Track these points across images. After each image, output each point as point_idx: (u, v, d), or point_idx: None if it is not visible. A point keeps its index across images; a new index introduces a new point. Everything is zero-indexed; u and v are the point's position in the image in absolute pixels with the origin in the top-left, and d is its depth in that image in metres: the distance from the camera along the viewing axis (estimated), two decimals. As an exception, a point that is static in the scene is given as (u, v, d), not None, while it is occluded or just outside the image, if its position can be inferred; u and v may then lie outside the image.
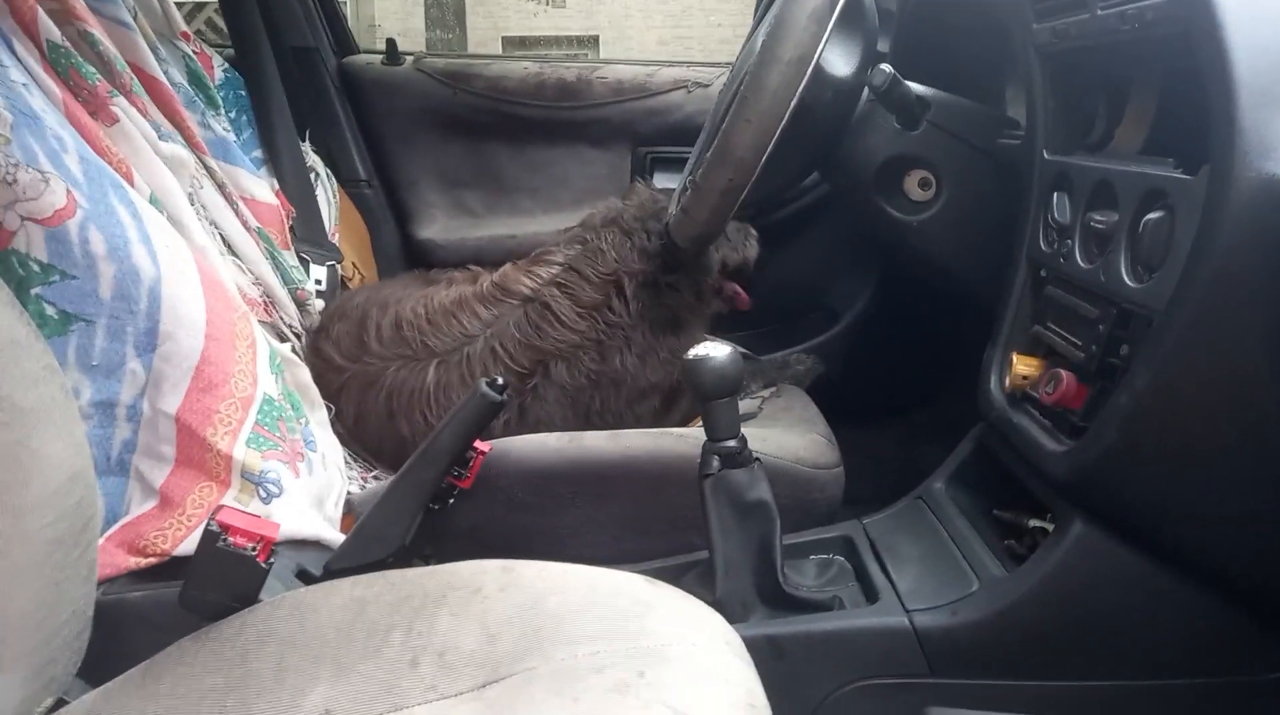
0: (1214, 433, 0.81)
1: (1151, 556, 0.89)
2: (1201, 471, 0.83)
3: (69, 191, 0.91)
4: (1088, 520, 0.90)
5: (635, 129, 1.90)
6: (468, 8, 9.24)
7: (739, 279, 1.49)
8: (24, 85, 0.96)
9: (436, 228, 1.94)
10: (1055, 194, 1.01)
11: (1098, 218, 0.91)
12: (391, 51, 1.93)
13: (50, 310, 0.91)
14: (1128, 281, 0.84)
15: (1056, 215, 1.00)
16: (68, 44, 1.06)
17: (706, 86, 1.87)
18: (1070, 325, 0.95)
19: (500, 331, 1.27)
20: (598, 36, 10.53)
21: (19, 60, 0.99)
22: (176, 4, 1.41)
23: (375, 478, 1.27)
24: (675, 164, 1.84)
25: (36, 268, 0.90)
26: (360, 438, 1.29)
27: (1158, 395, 0.80)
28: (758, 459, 0.99)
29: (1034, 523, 1.01)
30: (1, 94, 0.91)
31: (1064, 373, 0.92)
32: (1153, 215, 0.81)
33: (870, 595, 1.01)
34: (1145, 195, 0.84)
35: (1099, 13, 0.91)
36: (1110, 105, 1.02)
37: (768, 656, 0.93)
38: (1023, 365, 1.01)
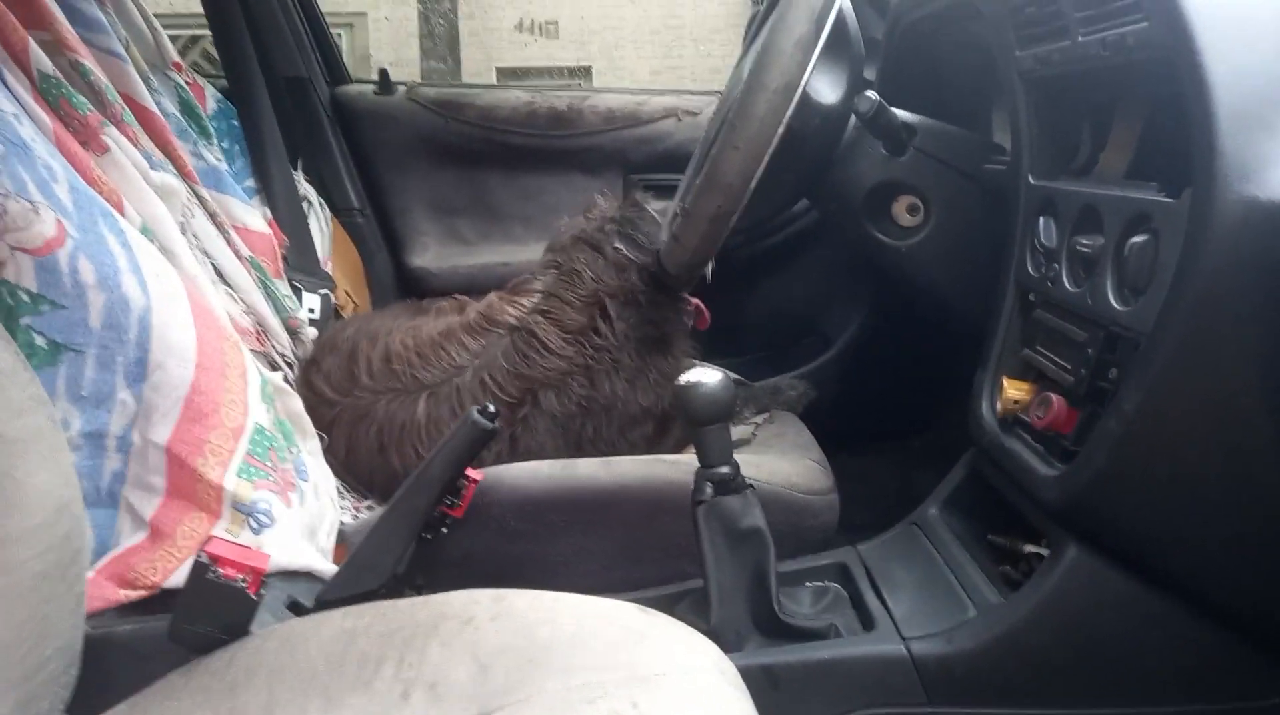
0: (1203, 455, 0.81)
1: (1146, 581, 0.89)
2: (1191, 495, 0.83)
3: (59, 221, 0.91)
4: (1082, 545, 0.90)
5: (626, 157, 1.91)
6: (462, 39, 9.33)
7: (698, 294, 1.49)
8: (14, 115, 0.96)
9: (429, 256, 1.94)
10: (1041, 219, 1.02)
11: (1084, 242, 0.92)
12: (384, 81, 1.95)
13: (39, 340, 0.90)
14: (1115, 304, 0.85)
15: (1043, 239, 1.01)
16: (59, 74, 1.07)
17: (696, 115, 1.89)
18: (1059, 348, 0.96)
19: (488, 362, 1.26)
20: (590, 67, 10.63)
21: (9, 90, 0.99)
22: (171, 37, 1.42)
23: (369, 508, 1.26)
24: (666, 191, 1.83)
25: (26, 298, 0.90)
26: (352, 471, 1.28)
27: (1146, 418, 0.80)
28: (751, 485, 0.99)
29: (1029, 548, 1.01)
30: (-8, 125, 0.91)
31: (1054, 396, 0.93)
32: (1137, 239, 0.82)
33: (866, 623, 1.00)
34: (1130, 219, 0.84)
35: (1080, 39, 0.92)
36: (1094, 131, 1.03)
37: (763, 686, 0.92)
38: (1013, 389, 1.01)
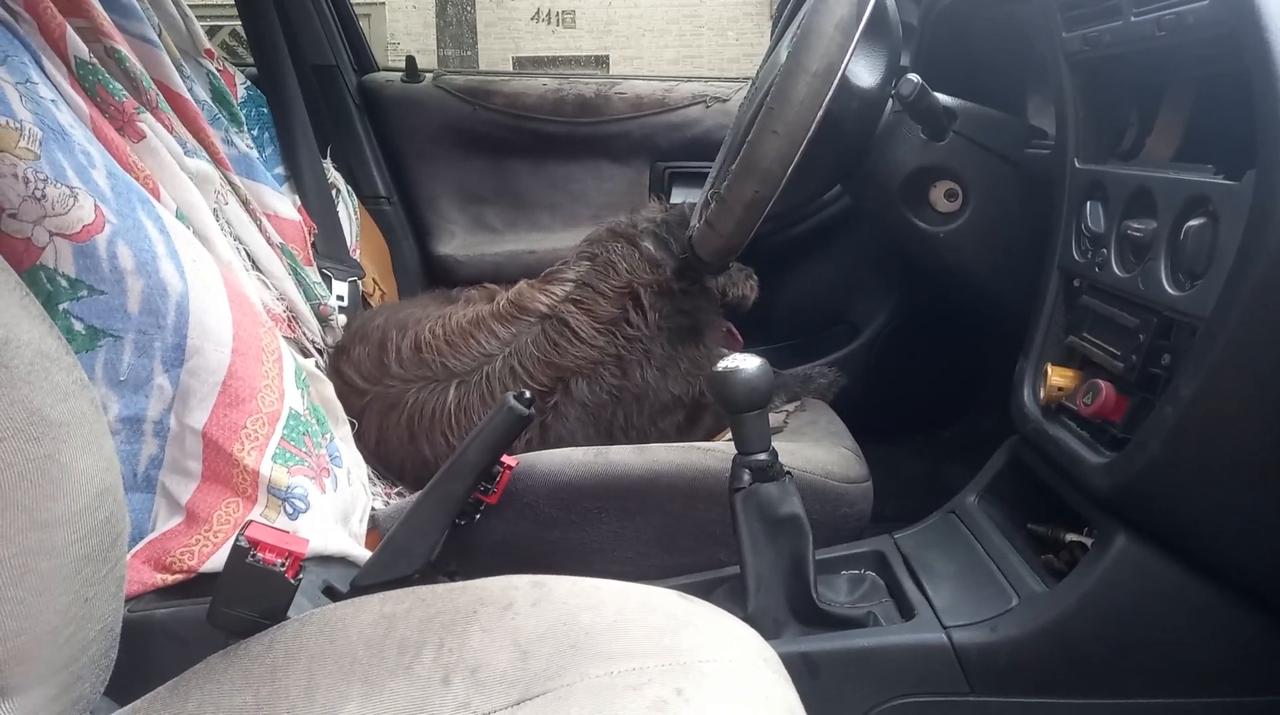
0: (1262, 443, 0.79)
1: (1196, 571, 0.87)
2: (1248, 484, 0.81)
3: (97, 207, 0.91)
4: (1130, 534, 0.88)
5: (654, 144, 1.90)
6: (480, 29, 9.34)
7: (733, 317, 1.49)
8: (52, 101, 0.96)
9: (456, 244, 1.94)
10: (1088, 203, 1.00)
11: (1135, 225, 0.90)
12: (411, 69, 1.94)
13: (78, 326, 0.91)
14: (1169, 290, 0.83)
15: (1090, 224, 0.99)
16: (95, 61, 1.07)
17: (725, 101, 1.87)
18: (1108, 335, 0.94)
19: (519, 349, 1.26)
20: (608, 56, 10.61)
21: (47, 77, 0.99)
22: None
23: (399, 494, 1.26)
24: (694, 179, 1.83)
25: (65, 283, 0.90)
26: (382, 460, 1.28)
27: (1203, 405, 0.78)
28: (789, 472, 0.98)
29: (1071, 537, 0.99)
30: (30, 110, 0.91)
31: (1103, 383, 0.91)
32: (1195, 222, 0.80)
33: (905, 611, 0.99)
34: (1187, 202, 0.82)
35: (1133, 19, 0.90)
36: (1142, 113, 1.01)
37: (803, 674, 0.91)
38: (1058, 376, 0.99)
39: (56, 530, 0.63)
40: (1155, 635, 0.90)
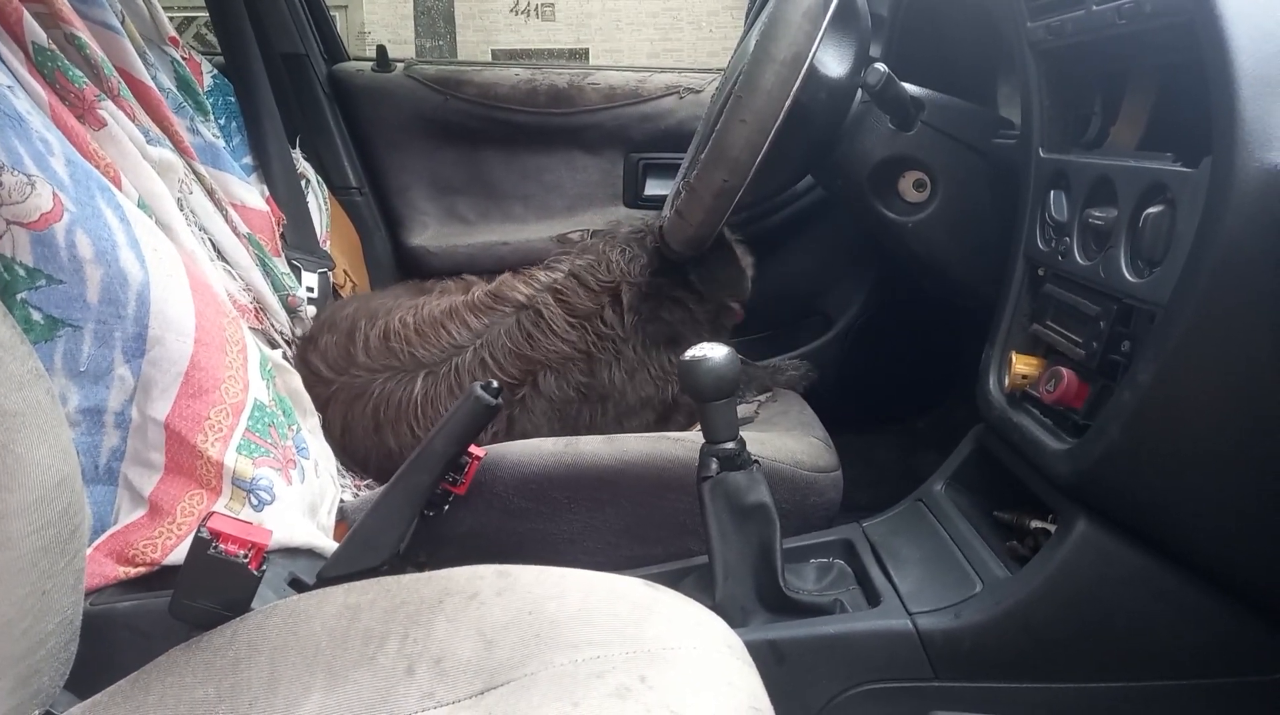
0: (1220, 427, 0.80)
1: (1157, 555, 0.88)
2: (1207, 468, 0.83)
3: (55, 195, 0.90)
4: (1091, 519, 0.89)
5: (628, 135, 1.89)
6: (458, 21, 9.27)
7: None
8: (9, 88, 0.94)
9: (428, 235, 1.93)
10: (1052, 192, 1.01)
11: (1096, 214, 0.90)
12: (382, 58, 1.93)
13: (36, 315, 0.89)
14: (1128, 277, 0.84)
15: (1054, 213, 1.00)
16: (54, 47, 1.05)
17: (698, 92, 1.87)
18: (1070, 323, 0.95)
19: (491, 340, 1.25)
20: (587, 49, 10.57)
21: (3, 63, 0.97)
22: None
23: (368, 486, 1.26)
24: (668, 170, 1.83)
25: (22, 272, 0.88)
26: (347, 451, 1.27)
27: (1162, 390, 0.79)
28: (757, 461, 0.98)
29: (1036, 524, 1.00)
30: (-15, 97, 0.89)
31: (1065, 371, 0.92)
32: (1153, 209, 0.81)
33: (872, 598, 1.00)
34: (1145, 190, 0.83)
35: (1094, 8, 0.90)
36: (1106, 102, 1.02)
37: (769, 661, 0.91)
38: (1022, 364, 1.00)
39: (11, 521, 0.62)
40: (1118, 620, 0.91)
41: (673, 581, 1.02)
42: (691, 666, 0.64)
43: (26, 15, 1.02)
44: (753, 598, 0.97)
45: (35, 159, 0.90)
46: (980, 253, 1.20)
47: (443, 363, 1.24)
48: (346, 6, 9.31)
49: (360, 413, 1.24)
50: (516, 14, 10.71)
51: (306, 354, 1.31)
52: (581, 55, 10.50)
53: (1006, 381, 1.02)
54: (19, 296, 0.88)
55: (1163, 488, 0.85)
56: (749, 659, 0.68)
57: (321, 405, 1.25)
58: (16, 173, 0.87)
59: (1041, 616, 0.90)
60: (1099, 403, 0.89)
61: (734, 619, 0.94)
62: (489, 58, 10.30)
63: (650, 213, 1.53)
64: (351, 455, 1.27)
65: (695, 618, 0.70)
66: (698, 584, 1.02)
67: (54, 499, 0.66)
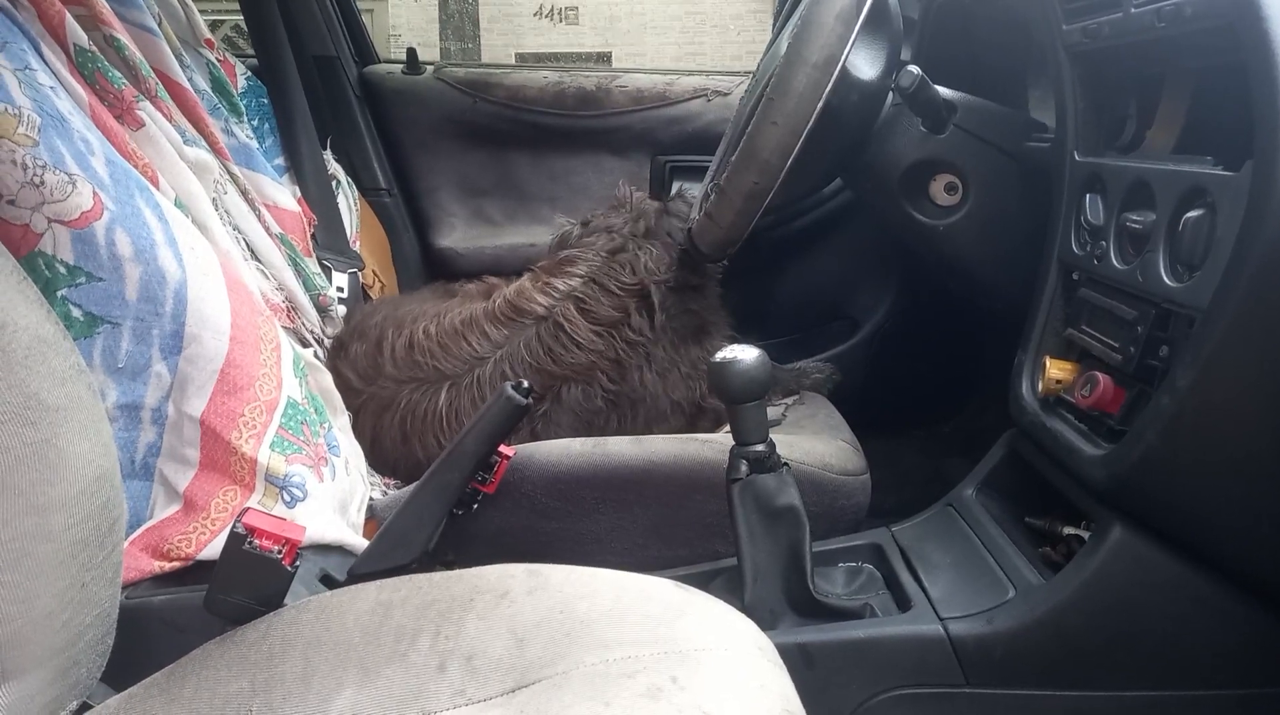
0: (1258, 432, 0.79)
1: (1193, 563, 0.87)
2: (1246, 475, 0.81)
3: (95, 194, 0.91)
4: (1127, 526, 0.88)
5: (655, 137, 1.89)
6: (483, 25, 9.32)
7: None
8: (51, 89, 0.96)
9: (456, 236, 1.94)
10: (1087, 195, 1.00)
11: (1134, 218, 0.89)
12: (412, 61, 1.94)
13: (76, 312, 0.91)
14: (1167, 281, 0.83)
15: (1089, 217, 0.99)
16: (94, 49, 1.07)
17: (726, 95, 1.87)
18: (1106, 327, 0.94)
19: (511, 353, 1.24)
20: (610, 53, 10.60)
21: (46, 64, 0.99)
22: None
23: (396, 485, 1.26)
24: (694, 172, 1.83)
25: (63, 270, 0.90)
26: (377, 459, 1.27)
27: (1201, 396, 0.78)
28: (786, 464, 0.98)
29: (1068, 530, 0.99)
30: (29, 97, 0.91)
31: (1100, 375, 0.91)
32: (1193, 213, 0.80)
33: (902, 603, 0.99)
34: (1185, 193, 0.82)
35: (1133, 11, 0.89)
36: (1141, 105, 1.01)
37: (798, 665, 0.91)
38: (1056, 369, 0.99)
39: (53, 515, 0.63)
40: (1152, 627, 0.90)
41: (701, 583, 1.01)
42: (723, 668, 0.63)
43: (69, 17, 1.04)
44: (782, 600, 0.97)
45: (76, 158, 0.92)
46: (1011, 256, 1.19)
47: (465, 374, 1.24)
48: (373, 10, 9.39)
49: (389, 423, 1.25)
50: (541, 17, 10.75)
51: (337, 362, 1.32)
52: (605, 59, 10.53)
53: (1040, 386, 1.01)
54: (59, 293, 0.90)
55: (1200, 494, 0.84)
56: (780, 661, 0.68)
57: (352, 414, 1.26)
58: (58, 172, 0.89)
59: (1076, 623, 0.89)
60: (1135, 408, 0.87)
61: (763, 621, 0.93)
62: (513, 61, 10.35)
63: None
64: (381, 464, 1.28)
65: (726, 619, 0.70)
66: (726, 586, 1.02)
67: (94, 493, 0.67)
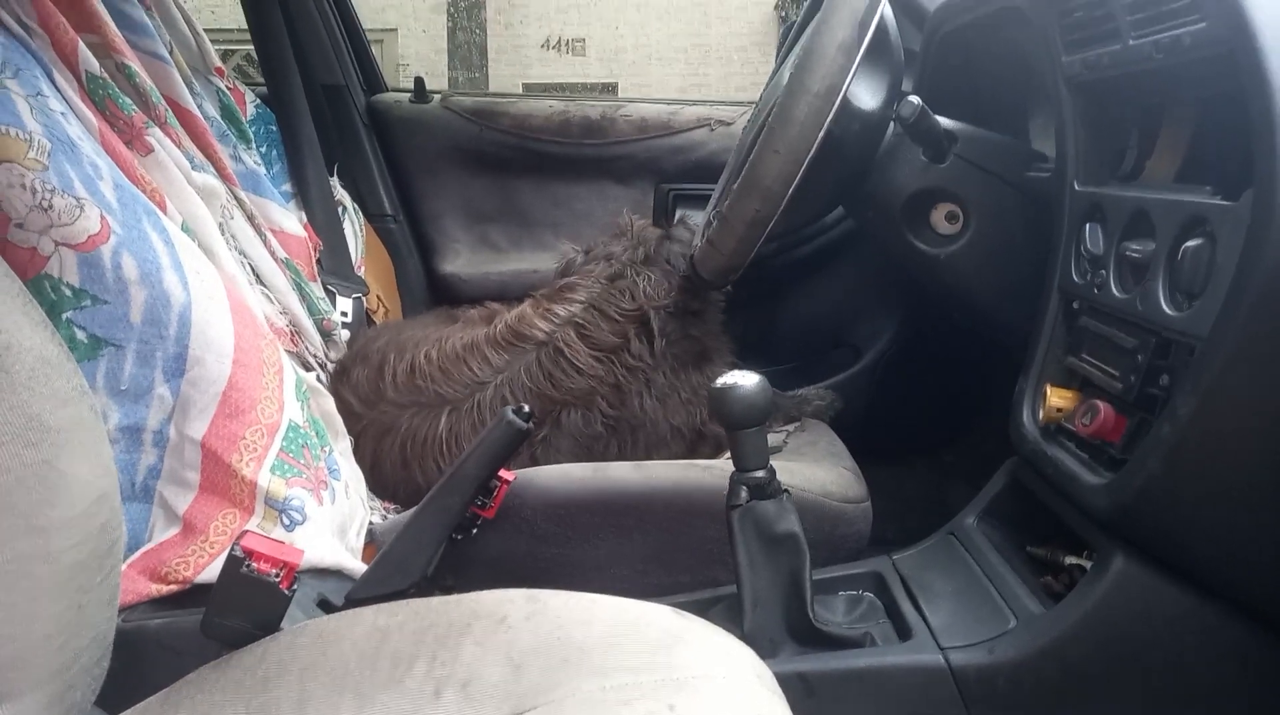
0: (1261, 461, 0.78)
1: (1196, 591, 0.86)
2: (1247, 503, 0.81)
3: (103, 218, 0.92)
4: (1128, 555, 0.88)
5: (659, 166, 1.91)
6: (490, 55, 9.43)
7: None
8: (62, 114, 0.97)
9: (460, 262, 1.95)
10: (1087, 225, 1.00)
11: (1133, 247, 0.90)
12: (419, 90, 1.96)
13: (80, 335, 0.91)
14: (1167, 310, 0.83)
15: (1089, 246, 0.99)
16: (105, 76, 1.08)
17: (729, 124, 1.89)
18: (1106, 356, 0.94)
19: (511, 378, 1.24)
20: (616, 84, 10.70)
21: (58, 90, 1.01)
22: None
23: (397, 510, 1.26)
24: (698, 201, 1.84)
25: (69, 292, 0.90)
26: (377, 484, 1.27)
27: (1202, 424, 0.78)
28: (787, 490, 0.98)
29: (1070, 560, 0.99)
30: (40, 122, 0.92)
31: (1101, 404, 0.91)
32: (1192, 242, 0.80)
33: (903, 632, 0.98)
34: (1184, 223, 0.82)
35: (1131, 42, 0.90)
36: (1142, 135, 1.01)
37: (798, 693, 0.90)
38: (1057, 397, 0.99)
39: (52, 536, 0.63)
40: (1156, 656, 0.89)
41: (700, 611, 1.00)
42: (722, 696, 0.63)
43: (81, 45, 1.06)
44: (781, 629, 0.96)
45: (85, 183, 0.93)
46: (1012, 285, 1.20)
47: (465, 399, 1.24)
48: (382, 42, 9.52)
49: (389, 448, 1.25)
50: (548, 49, 10.88)
51: (339, 387, 1.32)
52: (611, 89, 10.63)
53: (1041, 414, 1.01)
54: (65, 316, 0.90)
55: (1202, 522, 0.83)
56: (779, 690, 0.68)
57: (353, 438, 1.26)
58: (66, 196, 0.90)
59: (1078, 653, 0.89)
60: (1136, 436, 0.87)
61: (763, 649, 0.92)
62: (520, 91, 10.45)
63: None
64: (381, 489, 1.27)
65: (725, 647, 0.69)
66: (726, 614, 1.01)
67: (93, 515, 0.67)
